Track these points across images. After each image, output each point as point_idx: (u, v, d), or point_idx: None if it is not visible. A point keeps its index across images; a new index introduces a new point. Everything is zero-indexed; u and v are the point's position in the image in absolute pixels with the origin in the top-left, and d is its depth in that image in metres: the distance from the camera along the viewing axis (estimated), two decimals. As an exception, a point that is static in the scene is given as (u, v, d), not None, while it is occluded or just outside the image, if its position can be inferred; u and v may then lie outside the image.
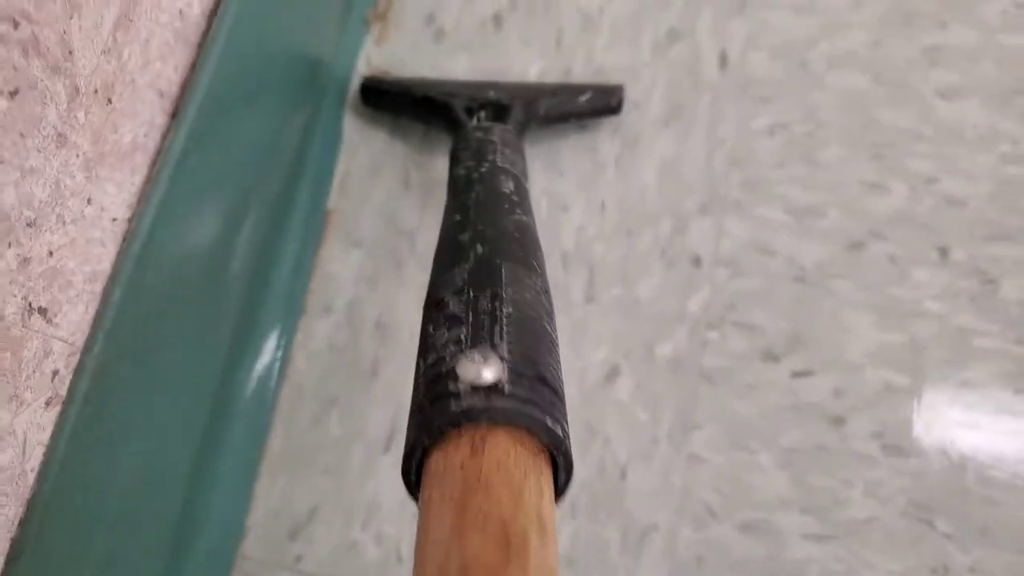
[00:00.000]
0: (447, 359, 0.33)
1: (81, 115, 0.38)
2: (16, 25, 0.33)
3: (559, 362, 0.36)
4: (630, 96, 0.63)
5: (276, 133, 0.56)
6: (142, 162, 0.43)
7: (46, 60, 0.35)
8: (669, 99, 0.64)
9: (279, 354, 0.58)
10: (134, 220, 0.42)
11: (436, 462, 0.30)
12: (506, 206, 0.45)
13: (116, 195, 0.41)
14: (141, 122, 0.43)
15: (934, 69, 0.63)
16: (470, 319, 0.35)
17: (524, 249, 0.41)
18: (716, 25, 0.65)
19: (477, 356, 0.32)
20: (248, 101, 0.51)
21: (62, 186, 0.37)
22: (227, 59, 0.48)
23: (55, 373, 0.38)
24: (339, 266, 0.61)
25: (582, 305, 0.59)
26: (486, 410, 0.30)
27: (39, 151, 0.35)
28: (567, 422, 0.33)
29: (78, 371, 0.39)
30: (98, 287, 0.41)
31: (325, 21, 0.60)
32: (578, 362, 0.59)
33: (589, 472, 0.57)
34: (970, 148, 0.61)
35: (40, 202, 0.36)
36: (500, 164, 0.50)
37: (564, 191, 0.62)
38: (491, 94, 0.60)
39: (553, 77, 0.65)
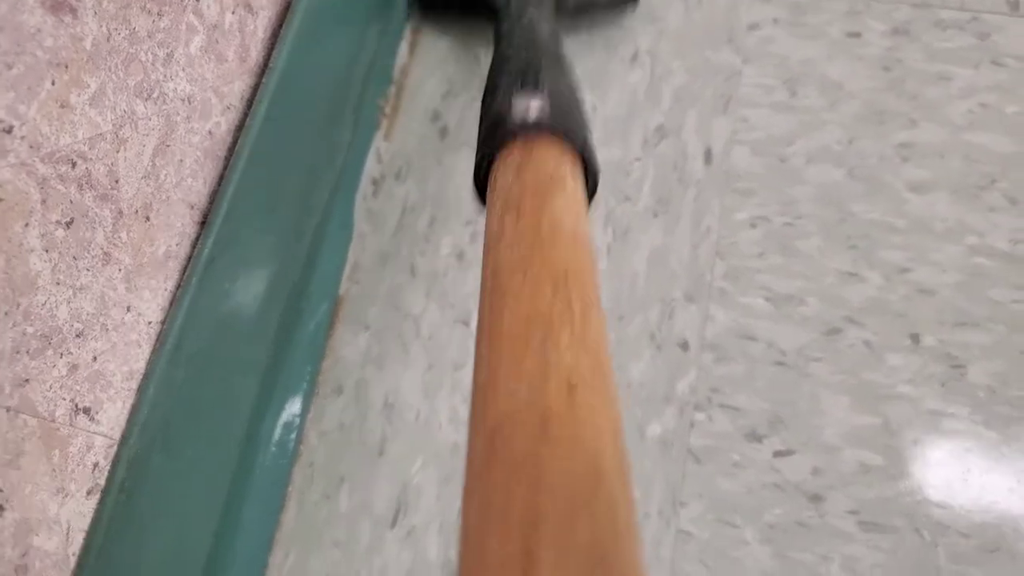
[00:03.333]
0: (503, 106, 0.44)
1: (124, 234, 0.42)
2: (74, 165, 0.38)
3: (588, 118, 0.48)
4: (621, 189, 0.68)
5: (293, 231, 0.61)
6: (174, 268, 0.48)
7: (96, 191, 0.40)
8: (657, 192, 0.68)
9: (293, 433, 0.62)
10: (166, 322, 0.47)
11: (499, 159, 0.42)
12: (544, 38, 0.55)
13: (151, 300, 0.46)
14: (174, 233, 0.47)
15: (905, 165, 0.68)
16: (519, 83, 0.46)
17: (559, 60, 0.52)
18: (701, 122, 0.70)
19: (525, 94, 0.44)
20: (269, 204, 0.56)
21: (106, 298, 0.42)
22: (250, 169, 0.53)
23: (95, 465, 0.42)
24: (350, 349, 0.66)
25: (576, 387, 0.63)
26: (535, 124, 0.42)
27: (88, 270, 0.40)
28: (593, 140, 0.45)
29: (115, 462, 0.44)
30: (134, 384, 0.45)
31: (338, 127, 0.66)
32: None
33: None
34: (939, 240, 0.65)
35: (87, 314, 0.40)
36: (536, 19, 0.58)
37: (560, 279, 0.66)
38: None
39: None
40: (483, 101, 0.50)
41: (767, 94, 0.71)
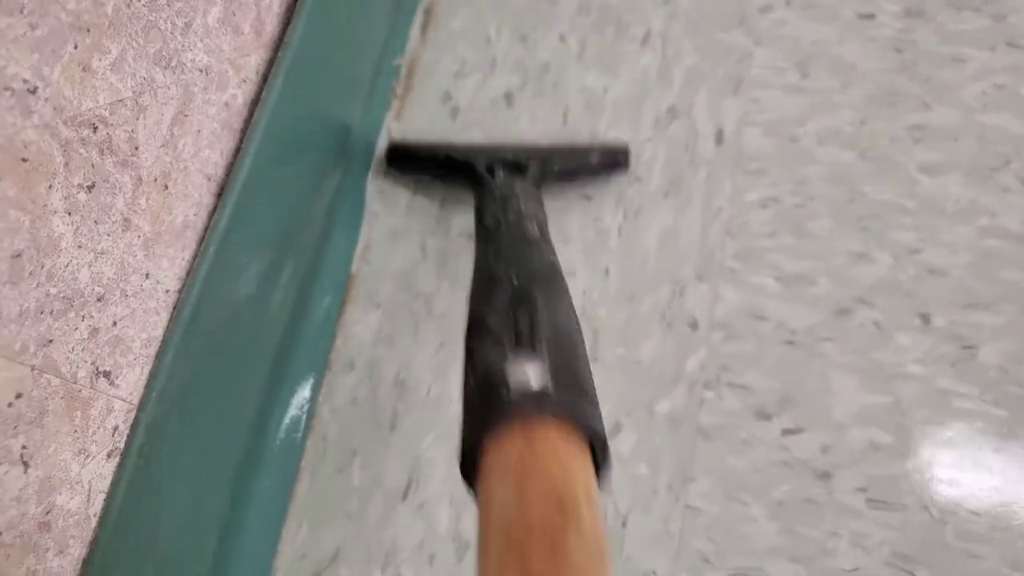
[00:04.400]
0: (496, 366, 0.38)
1: (143, 201, 0.43)
2: (95, 129, 0.39)
3: (590, 370, 0.41)
4: (632, 170, 0.68)
5: (307, 206, 0.61)
6: (192, 238, 0.48)
7: (117, 156, 0.40)
8: (668, 173, 0.69)
9: (306, 408, 0.63)
10: (184, 291, 0.48)
11: (493, 452, 0.35)
12: (534, 247, 0.51)
13: (169, 269, 0.46)
14: (192, 203, 0.48)
15: (917, 146, 0.68)
16: (513, 333, 0.40)
17: (554, 279, 0.47)
18: (713, 104, 0.71)
19: (523, 361, 0.37)
20: (283, 179, 0.57)
21: (126, 264, 0.42)
22: (266, 143, 0.53)
23: (115, 429, 0.43)
24: (361, 327, 0.66)
25: (587, 364, 0.64)
26: (536, 405, 0.35)
27: (108, 235, 0.41)
28: (602, 420, 0.38)
29: (134, 426, 0.44)
30: (152, 351, 0.46)
31: (351, 105, 0.66)
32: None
33: (593, 521, 0.61)
34: (951, 221, 0.65)
35: (108, 279, 0.41)
36: (524, 212, 0.55)
37: (570, 257, 0.67)
38: (508, 154, 0.65)
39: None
40: (469, 333, 0.43)
41: (778, 75, 0.71)
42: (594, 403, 0.38)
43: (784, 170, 0.68)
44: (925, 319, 0.63)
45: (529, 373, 0.37)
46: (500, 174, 0.62)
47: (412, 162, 0.69)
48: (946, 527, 0.58)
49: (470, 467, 0.37)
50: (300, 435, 0.63)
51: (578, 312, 0.65)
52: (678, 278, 0.66)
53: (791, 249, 0.66)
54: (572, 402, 0.36)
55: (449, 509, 0.61)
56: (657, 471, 0.61)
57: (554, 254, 0.52)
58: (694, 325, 0.64)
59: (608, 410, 0.63)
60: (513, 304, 0.42)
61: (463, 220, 0.68)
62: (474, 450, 0.36)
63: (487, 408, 0.36)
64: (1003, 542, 0.58)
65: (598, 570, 0.31)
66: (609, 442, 0.37)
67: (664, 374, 0.63)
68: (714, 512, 0.60)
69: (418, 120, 0.72)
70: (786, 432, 0.61)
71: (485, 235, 0.54)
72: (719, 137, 0.69)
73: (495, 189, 0.59)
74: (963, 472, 0.60)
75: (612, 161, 0.68)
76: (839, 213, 0.66)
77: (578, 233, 0.68)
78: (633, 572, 0.59)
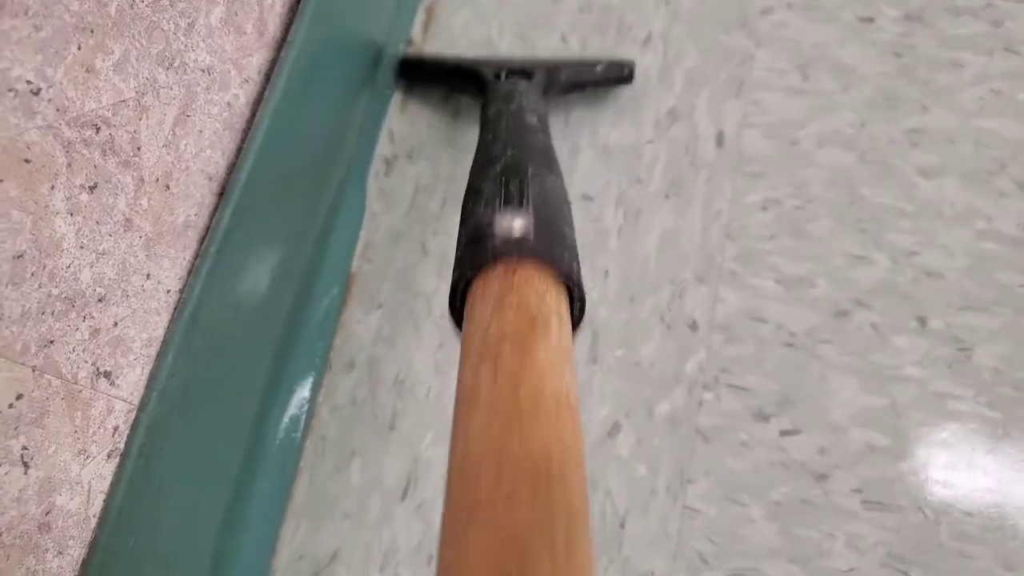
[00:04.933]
0: (485, 218, 0.41)
1: (145, 202, 0.43)
2: (98, 130, 0.39)
3: (574, 233, 0.44)
4: (633, 171, 0.69)
5: (308, 206, 0.61)
6: (193, 238, 0.48)
7: (119, 157, 0.40)
8: (669, 174, 0.69)
9: (305, 407, 0.63)
10: (185, 291, 0.48)
11: (477, 286, 0.39)
12: (532, 131, 0.53)
13: (170, 269, 0.46)
14: (193, 203, 0.48)
15: (915, 150, 0.68)
16: (503, 194, 0.43)
17: (547, 158, 0.50)
18: (714, 106, 0.71)
19: (509, 213, 0.41)
20: (285, 179, 0.57)
21: (127, 265, 0.42)
22: (268, 143, 0.53)
23: (115, 429, 0.43)
24: (361, 326, 0.66)
25: (587, 365, 0.64)
26: (517, 246, 0.39)
27: (110, 236, 0.41)
28: (580, 268, 0.41)
29: (134, 427, 0.44)
30: (153, 351, 0.46)
31: (351, 104, 0.66)
32: (582, 419, 0.63)
33: (591, 521, 0.61)
34: (948, 224, 0.66)
35: (109, 280, 0.41)
36: (525, 105, 0.57)
37: (571, 259, 0.67)
38: (516, 63, 0.67)
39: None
40: (465, 201, 0.46)
41: (780, 78, 0.71)
42: (574, 255, 0.41)
43: (784, 173, 0.68)
44: (922, 321, 0.63)
45: (514, 223, 0.40)
46: (506, 77, 0.64)
47: (424, 73, 0.72)
48: (940, 528, 0.59)
49: (458, 305, 0.40)
50: (299, 435, 0.63)
51: (577, 313, 0.66)
52: (678, 280, 0.66)
53: (791, 251, 0.66)
54: (551, 249, 0.39)
55: (448, 509, 0.61)
56: (656, 472, 0.62)
57: (550, 139, 0.54)
58: (694, 327, 0.65)
59: (607, 411, 0.63)
60: (505, 172, 0.45)
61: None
62: (460, 287, 0.39)
63: (474, 253, 0.39)
64: (996, 542, 0.58)
65: (560, 370, 0.34)
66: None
67: (664, 375, 0.64)
68: (712, 513, 0.60)
69: (418, 119, 0.72)
70: (784, 433, 0.62)
71: (486, 124, 0.56)
72: (720, 139, 0.70)
73: (500, 87, 0.61)
74: (957, 474, 0.60)
75: (617, 74, 0.70)
76: (838, 216, 0.67)
77: (578, 233, 0.68)
78: (631, 572, 0.59)
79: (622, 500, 0.61)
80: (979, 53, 0.70)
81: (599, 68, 0.69)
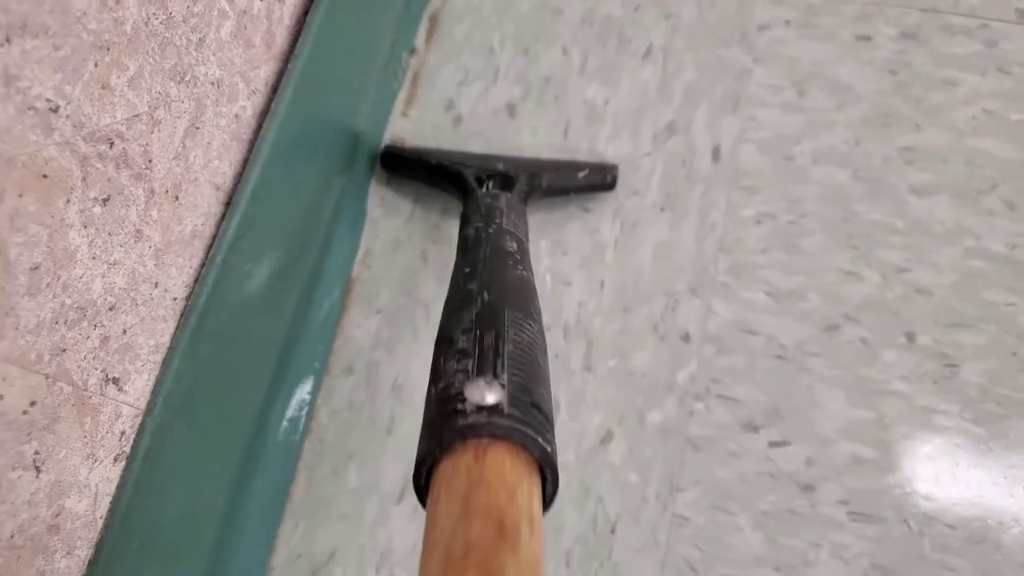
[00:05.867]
0: (455, 384, 0.39)
1: (155, 213, 0.44)
2: (112, 144, 0.40)
3: (551, 393, 0.42)
4: (630, 184, 0.70)
5: (311, 214, 0.62)
6: (199, 247, 0.50)
7: (131, 170, 0.42)
8: (665, 187, 0.70)
9: (305, 410, 0.64)
10: (191, 298, 0.49)
11: (444, 468, 0.36)
12: (509, 262, 0.51)
13: (177, 277, 0.48)
14: (200, 213, 0.49)
15: (908, 168, 0.69)
16: (476, 353, 0.41)
17: (524, 298, 0.47)
18: (711, 120, 0.72)
19: (482, 382, 0.38)
20: (289, 188, 0.58)
21: (137, 274, 0.43)
22: (273, 153, 0.54)
23: (122, 433, 0.44)
24: (360, 331, 0.68)
25: (580, 374, 0.66)
26: (488, 426, 0.36)
27: (121, 246, 0.42)
28: (555, 443, 0.39)
29: (140, 431, 0.46)
30: (159, 357, 0.47)
31: (355, 114, 0.67)
32: (575, 426, 0.64)
33: (583, 527, 0.62)
34: (938, 242, 0.67)
35: (119, 289, 0.42)
36: (505, 226, 0.56)
37: (567, 269, 0.68)
38: (499, 166, 0.66)
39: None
40: (436, 349, 0.44)
41: (776, 94, 0.72)
42: (549, 426, 0.39)
43: (778, 188, 0.69)
44: (910, 337, 0.65)
45: (486, 393, 0.37)
46: (488, 184, 0.63)
47: (406, 165, 0.71)
48: (923, 540, 0.60)
49: (423, 480, 0.38)
50: (298, 437, 0.64)
51: (572, 322, 0.67)
52: (672, 291, 0.67)
53: (783, 265, 0.67)
54: (526, 425, 0.37)
55: (443, 513, 0.63)
56: (647, 480, 0.63)
57: (529, 269, 0.52)
58: (686, 338, 0.66)
59: (600, 419, 0.64)
60: (479, 322, 0.43)
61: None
62: (427, 463, 0.37)
63: (443, 423, 0.37)
64: (977, 555, 0.60)
65: None
66: (558, 470, 0.38)
67: (656, 385, 0.65)
68: (701, 522, 0.62)
69: (421, 128, 0.73)
70: (773, 444, 0.63)
71: (464, 246, 0.55)
72: (716, 153, 0.71)
73: (480, 201, 0.60)
74: (941, 487, 0.61)
75: (600, 181, 0.69)
76: (831, 231, 0.68)
77: (575, 244, 0.69)
78: (620, 578, 0.61)
79: (613, 507, 0.63)
80: (972, 72, 0.72)
81: (582, 175, 0.69)
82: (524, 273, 0.51)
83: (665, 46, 0.74)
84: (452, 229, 0.70)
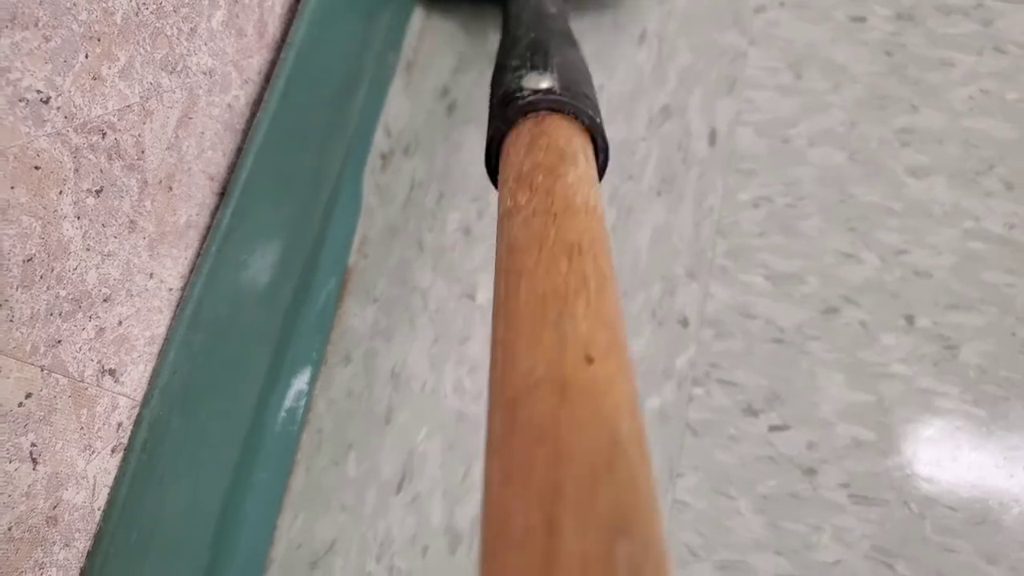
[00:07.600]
0: (513, 84, 0.45)
1: (148, 203, 0.44)
2: (104, 135, 0.39)
3: (596, 94, 0.49)
4: (626, 168, 0.69)
5: (306, 202, 0.62)
6: (194, 238, 0.49)
7: (124, 161, 0.41)
8: (661, 171, 0.70)
9: (302, 400, 0.64)
10: (186, 289, 0.48)
11: (510, 137, 0.43)
12: (552, 18, 0.57)
13: (172, 268, 0.47)
14: (194, 204, 0.49)
15: (905, 149, 0.69)
16: (529, 64, 0.47)
17: (568, 37, 0.54)
18: (706, 103, 0.72)
19: (535, 74, 0.45)
20: (284, 177, 0.58)
21: (131, 265, 0.43)
22: (267, 142, 0.54)
23: (119, 425, 0.44)
24: (357, 320, 0.67)
25: (579, 360, 0.65)
26: (544, 101, 0.43)
27: (115, 237, 0.41)
28: (603, 121, 0.45)
29: (137, 422, 0.45)
30: (155, 349, 0.47)
31: (349, 101, 0.67)
32: (575, 412, 0.64)
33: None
34: (936, 223, 0.67)
35: (114, 280, 0.42)
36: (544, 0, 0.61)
37: (565, 255, 0.68)
38: None
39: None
40: (493, 80, 0.50)
41: (772, 76, 0.72)
42: (597, 110, 0.46)
43: (775, 170, 0.69)
44: (909, 319, 0.65)
45: (540, 84, 0.44)
46: None
47: None
48: (925, 522, 0.60)
49: (493, 162, 0.44)
50: (296, 427, 0.64)
51: (571, 309, 0.67)
52: (669, 276, 0.67)
53: (781, 248, 0.67)
54: (576, 104, 0.44)
55: (442, 502, 0.63)
56: (646, 466, 0.63)
57: (570, 27, 0.57)
58: (684, 322, 0.66)
59: (599, 405, 0.64)
60: (529, 48, 0.50)
61: (459, 216, 0.69)
62: (496, 141, 0.44)
63: (505, 110, 0.44)
64: (979, 537, 0.60)
65: (588, 189, 0.38)
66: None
67: (654, 370, 0.65)
68: (701, 506, 0.62)
69: (415, 115, 0.73)
70: (773, 428, 0.63)
71: (509, 15, 0.59)
72: (712, 137, 0.71)
73: None
74: (942, 469, 0.61)
75: None
76: (828, 214, 0.68)
77: (572, 230, 0.69)
78: (622, 564, 0.61)
79: (614, 493, 0.62)
80: (968, 52, 0.71)
81: None
82: (566, 26, 0.57)
83: (659, 30, 0.74)
84: (448, 216, 0.70)
